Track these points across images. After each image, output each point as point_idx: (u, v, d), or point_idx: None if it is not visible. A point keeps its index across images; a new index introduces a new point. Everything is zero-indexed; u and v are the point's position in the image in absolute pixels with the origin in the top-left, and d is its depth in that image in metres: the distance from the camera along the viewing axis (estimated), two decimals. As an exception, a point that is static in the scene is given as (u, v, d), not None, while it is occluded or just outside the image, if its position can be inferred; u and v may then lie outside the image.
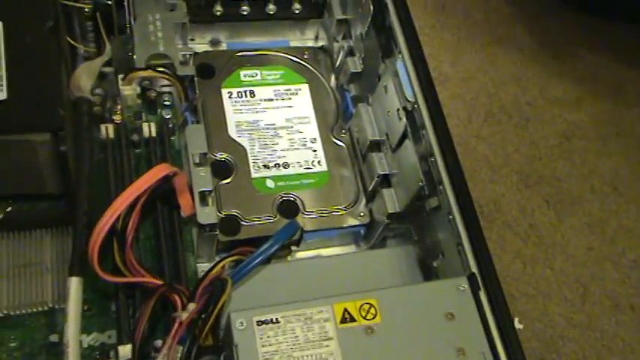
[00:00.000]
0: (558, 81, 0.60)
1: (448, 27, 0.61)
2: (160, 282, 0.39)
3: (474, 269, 0.38)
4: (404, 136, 0.44)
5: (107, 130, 0.45)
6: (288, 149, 0.48)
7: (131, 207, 0.40)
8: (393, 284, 0.41)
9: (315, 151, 0.48)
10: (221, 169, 0.46)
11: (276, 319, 0.35)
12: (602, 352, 0.49)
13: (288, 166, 0.47)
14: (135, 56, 0.46)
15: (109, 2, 0.45)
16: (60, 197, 0.41)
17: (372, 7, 0.47)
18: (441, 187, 0.41)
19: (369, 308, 0.36)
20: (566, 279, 0.51)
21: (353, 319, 0.36)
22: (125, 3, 0.44)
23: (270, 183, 0.46)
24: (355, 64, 0.50)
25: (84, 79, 0.43)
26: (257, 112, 0.49)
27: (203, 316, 0.37)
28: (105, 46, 0.46)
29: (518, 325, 0.49)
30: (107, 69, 0.47)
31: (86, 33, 0.48)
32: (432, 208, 0.42)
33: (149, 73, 0.46)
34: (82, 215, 0.39)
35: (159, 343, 0.39)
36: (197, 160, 0.45)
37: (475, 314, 0.37)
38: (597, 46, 0.62)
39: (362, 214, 0.47)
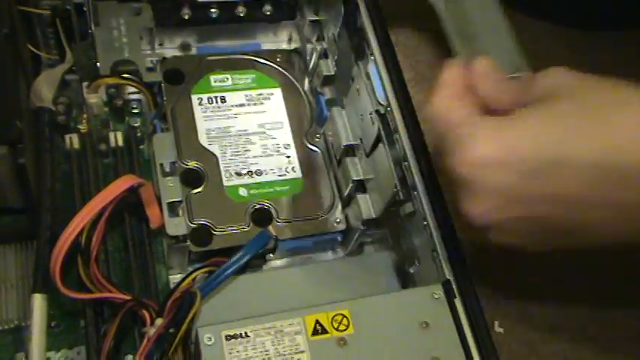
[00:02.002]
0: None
1: (426, 25, 0.60)
2: (127, 297, 0.37)
3: (450, 276, 0.37)
4: (377, 140, 0.43)
5: (71, 141, 0.43)
6: (260, 156, 0.47)
7: (96, 220, 0.38)
8: (369, 292, 0.40)
9: (288, 157, 0.47)
10: (192, 178, 0.45)
11: (246, 333, 0.34)
12: (584, 353, 0.48)
13: (261, 174, 0.46)
14: (98, 63, 0.44)
15: (68, 7, 0.44)
16: (22, 211, 0.40)
17: (343, 8, 0.46)
18: (416, 193, 0.40)
19: (342, 319, 0.35)
20: (548, 279, 0.50)
21: (325, 331, 0.35)
22: (85, 8, 0.43)
23: (242, 191, 0.45)
24: (328, 67, 0.49)
25: (45, 88, 0.41)
26: (228, 118, 0.48)
27: (172, 330, 0.36)
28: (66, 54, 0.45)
29: (498, 329, 0.48)
30: (71, 77, 0.46)
31: (48, 40, 0.46)
32: (407, 214, 0.41)
33: (115, 80, 0.45)
34: (45, 229, 0.38)
35: (130, 358, 0.38)
36: (165, 170, 0.43)
37: (450, 322, 0.36)
38: (577, 45, 0.61)
39: (338, 221, 0.46)
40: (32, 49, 0.46)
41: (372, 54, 0.43)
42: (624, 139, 0.28)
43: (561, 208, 0.31)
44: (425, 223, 0.39)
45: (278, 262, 0.46)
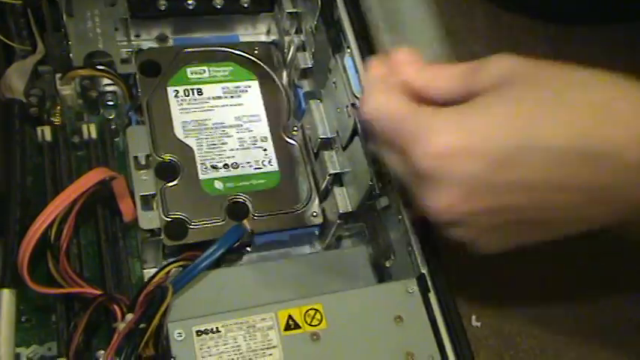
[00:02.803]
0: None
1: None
2: (98, 292, 0.37)
3: (424, 270, 0.37)
4: (354, 134, 0.43)
5: (43, 133, 0.43)
6: (237, 149, 0.47)
7: (67, 214, 0.38)
8: (345, 287, 0.40)
9: (265, 150, 0.47)
10: (167, 171, 0.44)
11: (217, 328, 0.34)
12: (559, 346, 0.48)
13: (238, 167, 0.46)
14: (71, 54, 0.44)
15: (40, -2, 0.43)
16: (-9, 205, 0.39)
17: (319, 0, 0.45)
18: (390, 186, 0.40)
19: (315, 314, 0.35)
20: (526, 274, 0.50)
21: (298, 326, 0.35)
22: (57, -2, 0.42)
23: (218, 184, 0.45)
24: (306, 60, 0.48)
25: (15, 79, 0.41)
26: (205, 110, 0.47)
27: (143, 325, 0.35)
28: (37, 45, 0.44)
29: (475, 323, 0.48)
30: (44, 68, 0.45)
31: (21, 31, 0.45)
32: (383, 208, 0.41)
33: (88, 71, 0.44)
34: (15, 223, 0.38)
35: (102, 353, 0.38)
36: (140, 163, 0.43)
37: (424, 317, 0.36)
38: (555, 39, 0.61)
39: (315, 215, 0.45)
40: (4, 39, 0.45)
41: (348, 47, 0.43)
42: (588, 122, 0.29)
43: (532, 195, 0.30)
44: (400, 216, 0.39)
45: (254, 256, 0.45)
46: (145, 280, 0.42)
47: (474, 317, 0.48)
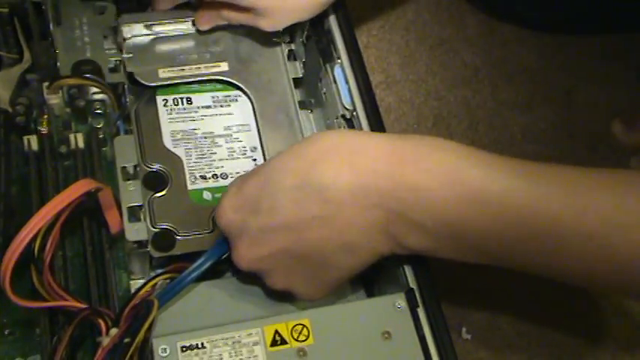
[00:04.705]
0: (509, 83, 0.59)
1: (397, 28, 0.60)
2: (82, 305, 0.36)
3: (413, 285, 0.37)
4: (344, 145, 0.43)
5: (30, 142, 0.42)
6: (226, 159, 0.46)
7: (51, 226, 0.37)
8: (333, 301, 0.39)
9: (255, 160, 0.47)
10: (155, 181, 0.44)
11: (202, 344, 0.33)
12: (550, 359, 0.48)
13: (227, 177, 0.45)
14: (58, 63, 0.43)
15: (26, 6, 0.42)
16: (-25, 216, 0.39)
17: (310, 10, 0.45)
18: (380, 199, 0.39)
19: (302, 329, 0.35)
20: (516, 286, 0.50)
21: (284, 342, 0.34)
22: (44, 7, 0.41)
23: (207, 195, 0.44)
24: (296, 69, 0.48)
25: (0, 88, 0.40)
26: (194, 120, 0.47)
27: (127, 340, 0.35)
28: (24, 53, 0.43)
29: (466, 335, 0.48)
30: (32, 76, 0.45)
31: (8, 38, 0.45)
32: (372, 220, 0.41)
33: (76, 80, 0.44)
34: (-3, 235, 0.37)
35: (86, 368, 0.38)
36: (128, 173, 0.42)
37: (413, 332, 0.36)
38: (547, 49, 0.61)
39: (304, 226, 0.45)
40: (-10, 47, 0.44)
41: (338, 57, 0.42)
42: (308, 165, 0.34)
43: (292, 234, 0.34)
44: (389, 230, 0.38)
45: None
46: (132, 291, 0.42)
47: (464, 329, 0.48)
